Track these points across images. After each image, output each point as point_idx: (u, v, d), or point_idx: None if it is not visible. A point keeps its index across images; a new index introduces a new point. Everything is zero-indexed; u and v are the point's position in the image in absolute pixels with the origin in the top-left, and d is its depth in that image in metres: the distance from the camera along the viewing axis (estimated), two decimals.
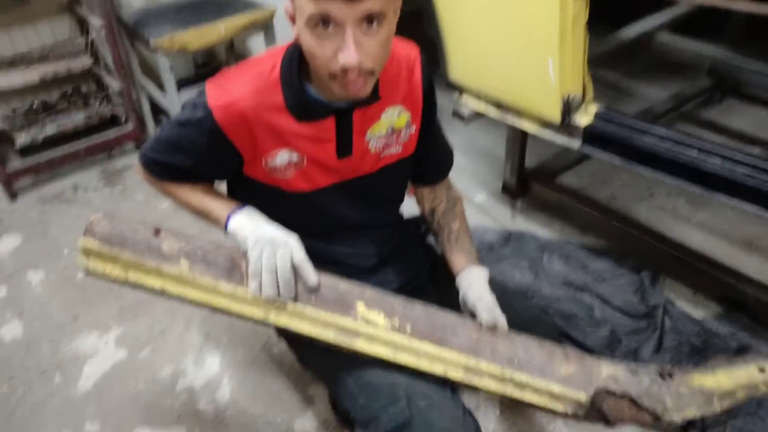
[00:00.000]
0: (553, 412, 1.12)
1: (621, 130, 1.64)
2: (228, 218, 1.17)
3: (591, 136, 1.70)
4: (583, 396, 1.08)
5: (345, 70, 0.98)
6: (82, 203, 2.68)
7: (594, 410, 1.08)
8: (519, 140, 2.26)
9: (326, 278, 1.15)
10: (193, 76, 3.20)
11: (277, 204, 1.23)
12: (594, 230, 2.33)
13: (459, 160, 2.62)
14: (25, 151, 2.75)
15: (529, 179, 2.39)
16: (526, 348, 1.13)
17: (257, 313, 1.11)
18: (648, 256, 2.14)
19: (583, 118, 1.70)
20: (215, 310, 1.14)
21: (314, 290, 1.11)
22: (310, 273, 1.11)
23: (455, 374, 1.11)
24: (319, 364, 1.32)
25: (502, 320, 1.17)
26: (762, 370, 1.06)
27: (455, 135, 2.36)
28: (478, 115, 1.99)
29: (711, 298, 2.02)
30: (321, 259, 1.27)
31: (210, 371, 1.89)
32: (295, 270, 1.10)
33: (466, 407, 1.19)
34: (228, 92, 1.10)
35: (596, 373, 1.11)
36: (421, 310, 1.15)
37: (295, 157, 1.16)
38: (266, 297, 1.09)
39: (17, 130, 2.71)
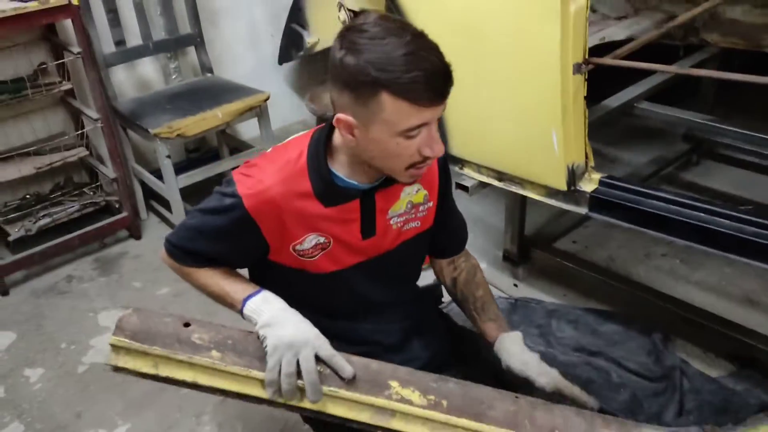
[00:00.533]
0: None
1: (626, 194, 1.70)
2: (244, 303, 1.16)
3: (597, 201, 1.75)
4: None
5: (426, 160, 1.09)
6: (77, 294, 2.63)
7: None
8: (519, 208, 2.31)
9: (357, 359, 1.14)
10: (185, 161, 3.22)
11: (301, 285, 1.25)
12: (597, 294, 2.35)
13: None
14: (16, 243, 2.71)
15: (529, 246, 2.43)
16: (565, 418, 1.12)
17: (292, 400, 1.10)
18: (655, 317, 2.16)
19: (588, 185, 1.76)
20: (248, 399, 1.12)
21: (351, 381, 1.10)
22: (343, 364, 1.10)
23: None
24: None
25: (558, 376, 1.18)
26: None
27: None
28: (482, 186, 2.03)
29: (722, 356, 2.03)
30: (346, 339, 1.27)
31: None
32: (327, 365, 1.10)
33: None
34: (258, 181, 1.13)
35: None
36: (455, 385, 1.14)
37: (322, 240, 1.19)
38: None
39: (9, 224, 2.67)
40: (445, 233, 1.41)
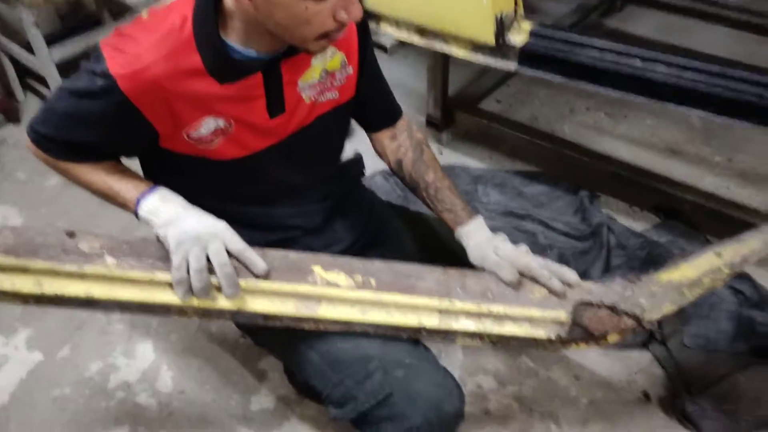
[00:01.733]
0: (535, 343, 1.06)
1: (559, 45, 1.55)
2: (138, 202, 1.00)
3: (528, 55, 1.60)
4: (562, 314, 1.03)
5: (341, 27, 0.91)
6: None
7: (576, 327, 1.04)
8: (441, 69, 2.13)
9: (273, 252, 1.03)
10: (60, 31, 2.80)
11: (203, 174, 1.08)
12: (522, 155, 2.28)
13: None
14: None
15: (452, 109, 2.29)
16: (496, 281, 1.07)
17: (206, 302, 0.97)
18: (581, 174, 2.12)
19: (518, 37, 1.60)
20: (155, 310, 0.99)
21: (265, 276, 0.98)
22: (256, 259, 0.98)
23: (430, 321, 1.02)
24: (278, 342, 1.19)
25: (522, 263, 1.07)
26: (719, 255, 1.09)
27: None
28: (401, 45, 1.84)
29: (647, 209, 2.03)
30: (261, 226, 1.17)
31: (144, 361, 1.70)
32: (237, 260, 0.97)
33: (443, 367, 1.11)
34: (134, 57, 0.91)
35: (569, 291, 1.07)
36: (380, 264, 1.07)
37: (221, 123, 1.00)
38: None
39: None
40: (372, 102, 1.24)
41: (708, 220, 1.89)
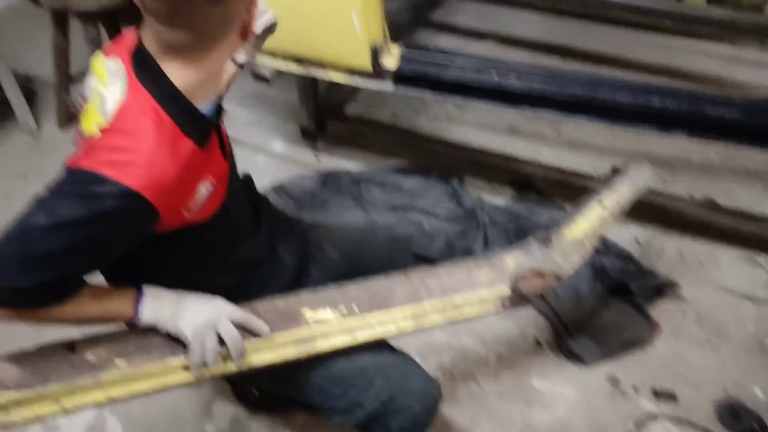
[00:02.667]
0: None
1: (426, 67, 1.81)
2: (137, 313, 1.05)
3: (401, 77, 1.84)
4: (505, 290, 1.29)
5: None
6: None
7: (516, 296, 1.30)
8: (312, 85, 2.31)
9: (261, 306, 1.17)
10: None
11: (183, 242, 1.13)
12: (392, 152, 2.53)
13: (249, 115, 2.60)
14: None
15: (324, 117, 2.47)
16: (449, 274, 1.31)
17: (218, 370, 1.10)
18: (444, 163, 2.42)
19: (390, 61, 1.83)
20: (167, 389, 1.10)
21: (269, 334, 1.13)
22: (259, 324, 1.11)
23: (407, 325, 1.23)
24: (272, 377, 1.28)
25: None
26: (601, 202, 1.40)
27: (239, 90, 2.33)
28: (280, 74, 1.99)
29: (505, 184, 2.39)
30: (228, 270, 1.25)
31: (85, 415, 1.73)
32: (242, 328, 1.10)
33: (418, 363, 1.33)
34: (149, 166, 0.92)
35: (505, 267, 1.34)
36: (354, 288, 1.25)
37: (208, 185, 1.07)
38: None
39: None
40: None
41: (554, 188, 2.28)
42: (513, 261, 1.34)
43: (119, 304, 1.05)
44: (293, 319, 1.15)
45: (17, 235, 0.91)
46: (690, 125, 1.62)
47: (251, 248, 1.31)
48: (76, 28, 2.27)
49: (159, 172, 0.92)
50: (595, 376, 1.80)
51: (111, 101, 0.95)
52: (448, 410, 1.72)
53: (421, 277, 1.29)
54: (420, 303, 1.23)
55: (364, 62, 1.80)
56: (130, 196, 0.90)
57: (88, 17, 2.11)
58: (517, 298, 1.30)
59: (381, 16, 1.75)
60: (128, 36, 1.02)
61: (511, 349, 1.88)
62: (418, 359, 1.32)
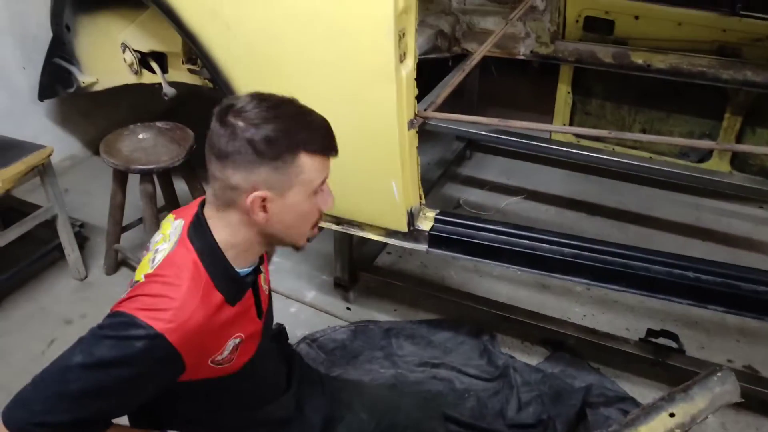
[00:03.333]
0: None
1: (461, 229, 1.88)
2: None
3: (435, 238, 1.90)
4: None
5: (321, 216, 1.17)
6: None
7: None
8: (347, 240, 2.39)
9: None
10: None
11: (210, 394, 1.20)
12: (422, 304, 2.55)
13: (284, 263, 2.67)
14: None
15: (356, 269, 2.53)
16: None
17: None
18: (474, 317, 2.43)
19: (425, 224, 1.90)
20: None
21: None
22: None
23: None
24: None
25: None
26: (672, 415, 1.28)
27: None
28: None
29: (536, 343, 2.37)
30: (248, 426, 1.30)
31: None
32: None
33: None
34: (178, 311, 1.01)
35: None
36: None
37: (237, 341, 1.15)
38: None
39: None
40: None
41: (587, 348, 2.26)
42: None
43: None
44: None
45: (55, 372, 0.99)
46: (726, 300, 1.62)
47: (278, 407, 1.35)
48: (132, 182, 2.42)
49: (185, 317, 1.01)
50: None
51: (161, 254, 1.09)
52: None
53: None
54: None
55: (401, 225, 1.88)
56: (155, 338, 0.98)
57: (147, 175, 2.26)
58: None
59: (418, 183, 1.85)
60: (196, 202, 1.17)
61: None
62: None
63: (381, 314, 2.52)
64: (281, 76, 1.71)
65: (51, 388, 0.98)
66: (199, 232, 1.11)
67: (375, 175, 1.79)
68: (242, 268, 1.14)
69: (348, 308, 2.55)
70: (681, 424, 1.28)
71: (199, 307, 1.04)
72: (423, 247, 1.93)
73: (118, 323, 1.01)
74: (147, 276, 1.07)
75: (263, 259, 1.27)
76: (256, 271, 1.19)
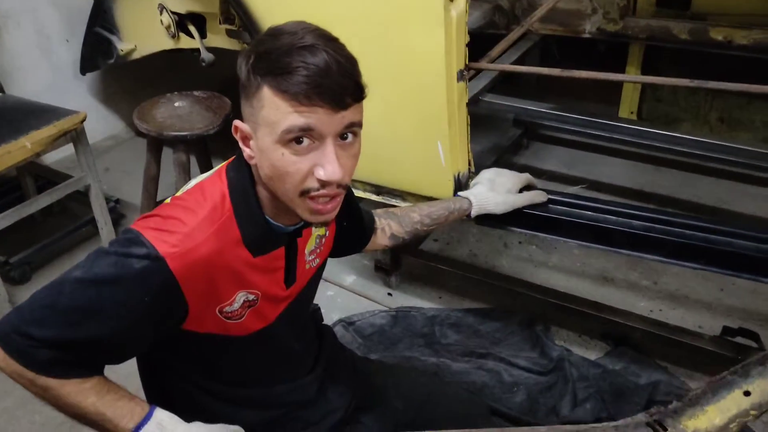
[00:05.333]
0: None
1: None
2: None
3: None
4: None
5: (323, 187, 0.91)
6: None
7: None
8: None
9: None
10: None
11: (215, 354, 1.07)
12: (469, 292, 2.36)
13: None
14: None
15: (399, 253, 2.36)
16: None
17: None
18: (529, 307, 2.21)
19: None
20: None
21: None
22: None
23: None
24: None
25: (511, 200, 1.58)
26: (747, 393, 1.07)
27: None
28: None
29: (596, 337, 2.14)
30: (260, 405, 1.16)
31: None
32: None
33: None
34: (186, 236, 0.91)
35: None
36: None
37: (251, 297, 1.02)
38: None
39: None
40: (357, 234, 1.35)
41: (654, 344, 2.01)
42: None
43: (120, 413, 0.93)
44: None
45: (53, 284, 0.91)
46: None
47: (296, 388, 1.21)
48: (168, 160, 2.33)
49: (192, 244, 0.91)
50: None
51: (194, 182, 1.02)
52: None
53: None
54: None
55: (447, 192, 1.70)
56: (155, 260, 0.88)
57: (180, 143, 2.15)
58: None
59: (467, 146, 1.67)
60: None
61: None
62: None
63: (424, 301, 2.34)
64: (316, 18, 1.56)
65: (44, 299, 0.91)
66: (236, 166, 1.00)
67: (418, 135, 1.63)
68: (277, 222, 1.01)
69: (389, 294, 2.38)
70: (758, 404, 1.06)
71: (211, 238, 0.93)
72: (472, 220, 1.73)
73: (124, 239, 0.92)
74: (173, 198, 1.00)
75: (325, 230, 1.17)
76: (296, 234, 1.05)
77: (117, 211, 2.62)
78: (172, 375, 1.11)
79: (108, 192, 2.49)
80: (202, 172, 2.31)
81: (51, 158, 2.84)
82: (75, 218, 2.58)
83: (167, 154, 2.34)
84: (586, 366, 1.98)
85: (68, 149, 2.35)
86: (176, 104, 2.23)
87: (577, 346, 2.11)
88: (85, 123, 2.21)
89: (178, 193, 1.02)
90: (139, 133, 2.39)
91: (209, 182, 1.00)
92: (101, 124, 3.16)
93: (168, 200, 1.00)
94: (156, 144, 2.23)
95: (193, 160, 2.29)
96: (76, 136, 2.23)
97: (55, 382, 0.91)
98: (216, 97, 2.29)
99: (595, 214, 1.59)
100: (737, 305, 2.22)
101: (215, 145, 2.31)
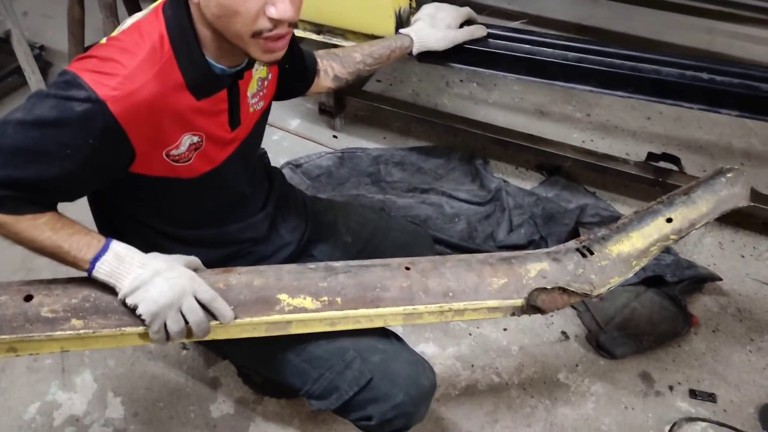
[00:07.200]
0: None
1: None
2: (92, 265, 0.95)
3: None
4: (518, 301, 1.11)
5: (275, 27, 0.90)
6: None
7: (529, 308, 1.13)
8: None
9: (237, 278, 1.06)
10: None
11: (166, 196, 1.10)
12: (413, 131, 2.42)
13: None
14: None
15: (342, 95, 2.36)
16: (456, 276, 1.13)
17: (180, 340, 1.01)
18: (468, 143, 2.30)
19: None
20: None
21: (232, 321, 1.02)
22: (224, 309, 1.00)
23: (395, 322, 1.09)
24: (248, 352, 1.22)
25: (451, 36, 1.56)
26: (669, 220, 1.18)
27: None
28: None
29: (531, 168, 2.26)
30: (215, 244, 1.22)
31: (87, 392, 1.65)
32: (206, 309, 0.99)
33: (409, 346, 1.22)
34: (126, 79, 0.89)
35: (526, 276, 1.15)
36: (344, 277, 1.09)
37: (196, 139, 1.03)
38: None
39: None
40: (300, 74, 1.34)
41: (585, 171, 2.15)
42: (537, 269, 1.16)
43: (77, 246, 0.94)
44: (268, 304, 1.03)
45: None
46: (742, 103, 1.47)
47: (247, 226, 1.26)
48: (93, 1, 2.18)
49: (132, 87, 0.90)
50: (627, 372, 1.68)
51: (129, 21, 0.97)
52: (467, 400, 1.62)
53: (422, 273, 1.12)
54: (414, 305, 1.08)
55: (388, 29, 1.68)
56: (96, 103, 0.87)
57: None
58: (530, 310, 1.12)
59: None
60: None
61: (536, 340, 1.76)
62: (434, 347, 1.20)
63: (369, 142, 2.39)
64: None
65: None
66: (174, 4, 0.95)
67: None
68: (219, 63, 0.99)
69: (334, 136, 2.42)
70: (678, 230, 1.18)
71: (151, 81, 0.91)
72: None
73: (62, 81, 0.90)
74: (109, 38, 0.96)
75: (267, 72, 1.15)
76: (238, 76, 1.04)
77: (43, 59, 2.49)
78: (126, 219, 1.14)
79: (30, 38, 2.34)
80: (130, 13, 2.21)
81: None
82: None
83: None
84: (522, 195, 2.12)
85: None
86: None
87: (514, 177, 2.23)
88: None
89: (114, 33, 0.98)
90: None
91: (146, 21, 0.95)
92: None
93: (104, 41, 0.96)
94: None
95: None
96: None
97: (8, 218, 0.91)
98: None
99: (532, 47, 1.61)
100: (661, 132, 2.37)
101: None
